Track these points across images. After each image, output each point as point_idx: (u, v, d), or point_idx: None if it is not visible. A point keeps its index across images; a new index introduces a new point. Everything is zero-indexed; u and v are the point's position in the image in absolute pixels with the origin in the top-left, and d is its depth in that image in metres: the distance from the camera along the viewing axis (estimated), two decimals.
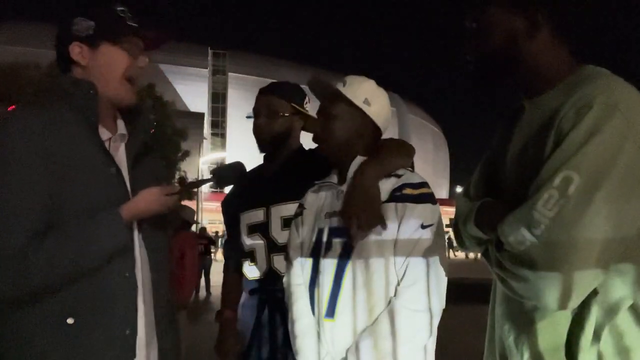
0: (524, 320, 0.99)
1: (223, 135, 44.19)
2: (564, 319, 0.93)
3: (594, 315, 0.89)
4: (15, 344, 1.09)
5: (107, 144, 1.22)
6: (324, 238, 1.32)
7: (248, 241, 1.65)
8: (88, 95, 1.19)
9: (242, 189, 1.74)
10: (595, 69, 1.00)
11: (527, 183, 0.95)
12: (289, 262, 1.44)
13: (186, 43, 39.73)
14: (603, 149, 0.86)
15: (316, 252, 1.33)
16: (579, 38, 1.07)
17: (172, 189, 1.25)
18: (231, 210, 1.76)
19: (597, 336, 0.89)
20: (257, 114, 1.68)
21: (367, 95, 1.35)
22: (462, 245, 1.16)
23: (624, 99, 0.89)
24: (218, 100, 45.17)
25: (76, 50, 1.21)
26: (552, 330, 0.94)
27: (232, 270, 1.78)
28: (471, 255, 26.01)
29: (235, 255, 1.73)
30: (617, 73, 0.98)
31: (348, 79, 1.38)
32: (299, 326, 1.32)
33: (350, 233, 1.24)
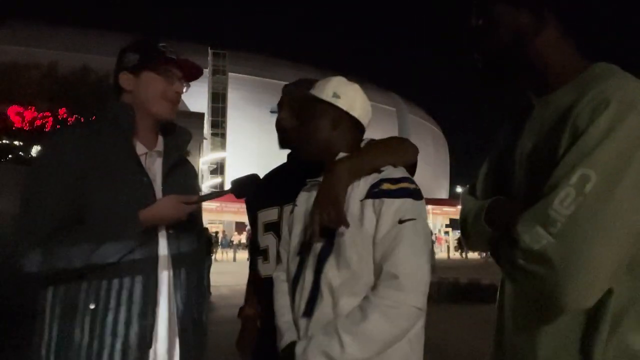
0: (536, 320, 0.98)
1: (223, 135, 44.17)
2: (578, 318, 0.92)
3: (609, 314, 0.88)
4: (46, 321, 1.27)
5: (142, 158, 1.41)
6: (308, 237, 1.31)
7: (263, 239, 1.67)
8: (127, 115, 1.40)
9: (262, 187, 1.76)
10: (607, 67, 0.99)
11: (540, 181, 0.94)
12: (279, 258, 1.46)
13: (186, 43, 39.70)
14: (620, 147, 0.85)
15: (302, 251, 1.33)
16: (587, 34, 1.07)
17: (189, 197, 1.38)
18: (251, 207, 1.79)
19: (611, 336, 0.88)
20: (281, 109, 1.69)
21: (335, 89, 1.35)
22: (469, 244, 1.14)
23: None
24: (218, 100, 45.12)
25: (124, 78, 1.43)
26: (565, 330, 0.93)
27: (255, 267, 1.79)
28: (471, 255, 25.97)
29: (256, 252, 1.75)
30: (625, 69, 0.97)
31: (318, 82, 1.40)
32: (281, 323, 1.33)
33: (312, 231, 1.23)
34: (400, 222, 1.19)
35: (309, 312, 1.23)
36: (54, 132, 1.39)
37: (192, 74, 1.52)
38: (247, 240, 24.70)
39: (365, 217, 1.21)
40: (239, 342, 1.76)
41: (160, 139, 1.51)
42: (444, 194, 58.66)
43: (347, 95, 1.36)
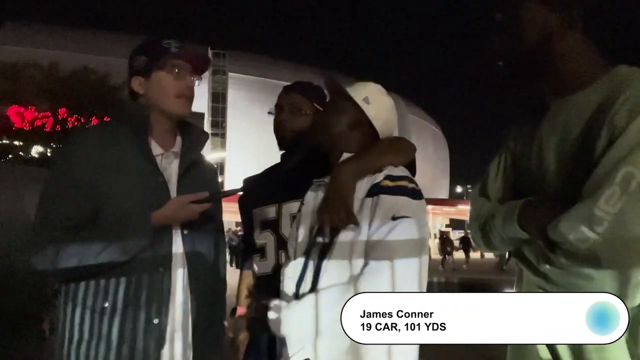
0: None
1: (223, 135, 44.16)
2: None
3: None
4: (62, 320, 1.31)
5: (159, 159, 1.43)
6: (312, 237, 1.31)
7: (259, 237, 1.67)
8: (141, 116, 1.42)
9: (258, 186, 1.77)
10: (631, 69, 1.00)
11: (574, 181, 0.94)
12: (287, 256, 1.45)
13: (186, 43, 39.48)
14: None
15: (307, 251, 1.32)
16: (611, 37, 1.07)
17: (198, 196, 1.37)
18: (246, 206, 1.79)
19: None
20: (280, 110, 1.71)
21: (368, 95, 1.35)
22: (488, 246, 1.14)
23: None
24: (218, 100, 45.11)
25: (136, 83, 1.46)
26: None
27: (247, 267, 1.80)
28: (473, 256, 25.92)
29: (249, 251, 1.75)
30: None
31: (357, 82, 1.40)
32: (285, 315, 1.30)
33: (322, 231, 1.24)
34: (394, 218, 1.16)
35: None
36: (72, 134, 1.48)
37: (201, 64, 1.52)
38: (228, 240, 24.44)
39: (363, 214, 1.20)
40: (232, 344, 1.74)
41: (179, 139, 1.52)
42: (443, 194, 58.58)
43: (377, 104, 1.35)
